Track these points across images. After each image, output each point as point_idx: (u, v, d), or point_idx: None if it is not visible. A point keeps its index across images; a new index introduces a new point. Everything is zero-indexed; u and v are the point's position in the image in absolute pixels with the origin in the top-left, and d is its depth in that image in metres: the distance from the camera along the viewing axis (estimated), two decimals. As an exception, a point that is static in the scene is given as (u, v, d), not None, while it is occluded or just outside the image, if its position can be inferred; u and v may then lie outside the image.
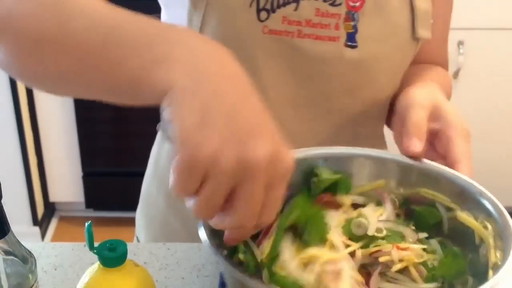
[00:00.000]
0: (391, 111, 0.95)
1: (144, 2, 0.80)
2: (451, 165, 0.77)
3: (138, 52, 0.60)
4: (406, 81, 0.93)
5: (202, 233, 0.64)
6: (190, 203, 0.59)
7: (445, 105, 0.82)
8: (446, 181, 0.75)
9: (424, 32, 0.91)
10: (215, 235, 0.64)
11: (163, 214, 1.02)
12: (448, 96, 0.95)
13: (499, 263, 0.66)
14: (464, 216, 0.73)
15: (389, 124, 0.97)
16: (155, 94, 0.59)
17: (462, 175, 0.75)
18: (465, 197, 0.73)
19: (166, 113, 0.58)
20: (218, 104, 0.57)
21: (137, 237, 1.10)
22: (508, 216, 0.69)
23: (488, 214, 0.70)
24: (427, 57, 1.00)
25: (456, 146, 0.78)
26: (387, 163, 0.79)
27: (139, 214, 1.09)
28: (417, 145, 0.77)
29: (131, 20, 0.63)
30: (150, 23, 0.63)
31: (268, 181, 0.58)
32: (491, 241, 0.69)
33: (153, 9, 0.94)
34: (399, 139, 0.81)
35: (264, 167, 0.57)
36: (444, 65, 1.05)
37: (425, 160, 0.78)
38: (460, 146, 0.78)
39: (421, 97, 0.82)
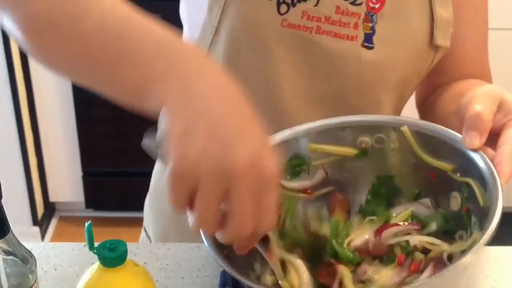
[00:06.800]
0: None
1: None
2: (495, 164, 0.69)
3: (139, 63, 0.64)
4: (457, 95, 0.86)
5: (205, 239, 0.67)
6: (189, 219, 0.61)
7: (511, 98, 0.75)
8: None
9: (443, 40, 0.91)
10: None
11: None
12: None
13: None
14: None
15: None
16: (154, 107, 0.63)
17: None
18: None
19: (159, 126, 0.61)
20: (203, 114, 0.59)
21: (144, 229, 1.09)
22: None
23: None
24: (466, 72, 0.97)
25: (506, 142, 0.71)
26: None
27: (148, 207, 1.09)
28: (474, 139, 0.71)
29: (139, 26, 0.67)
30: (155, 31, 0.66)
31: (254, 187, 0.59)
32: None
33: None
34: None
35: (245, 171, 0.58)
36: (489, 81, 0.99)
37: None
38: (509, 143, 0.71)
39: (483, 92, 0.75)
